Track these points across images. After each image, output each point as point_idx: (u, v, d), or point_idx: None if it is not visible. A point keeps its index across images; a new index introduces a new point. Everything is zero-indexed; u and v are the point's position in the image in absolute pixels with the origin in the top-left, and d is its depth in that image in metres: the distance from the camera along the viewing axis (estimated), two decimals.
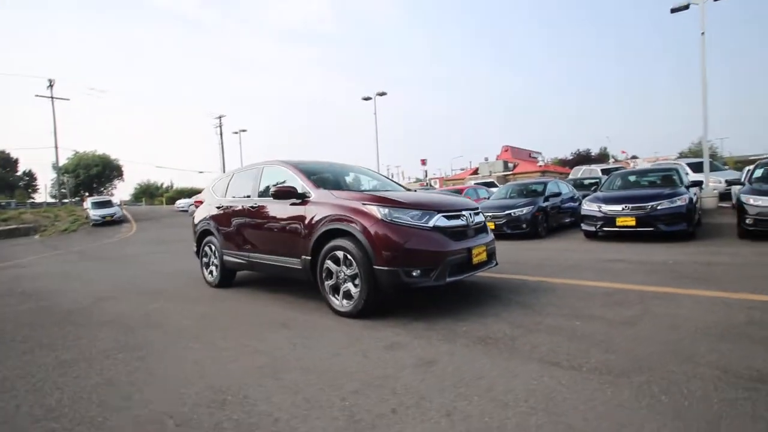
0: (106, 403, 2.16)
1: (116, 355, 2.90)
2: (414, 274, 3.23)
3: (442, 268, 3.29)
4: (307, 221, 3.85)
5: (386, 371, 2.38)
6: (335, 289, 3.63)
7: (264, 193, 4.61)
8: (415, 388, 2.14)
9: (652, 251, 5.98)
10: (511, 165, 39.06)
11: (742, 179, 8.24)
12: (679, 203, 6.70)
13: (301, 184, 4.11)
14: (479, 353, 2.55)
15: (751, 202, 5.98)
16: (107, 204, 23.45)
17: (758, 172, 6.95)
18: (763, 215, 5.82)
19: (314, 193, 3.95)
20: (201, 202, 5.98)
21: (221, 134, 41.52)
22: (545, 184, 10.01)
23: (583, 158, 44.94)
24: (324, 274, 3.68)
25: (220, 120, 41.64)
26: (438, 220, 3.45)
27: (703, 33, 11.54)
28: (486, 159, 43.38)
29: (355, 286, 3.44)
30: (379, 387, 2.18)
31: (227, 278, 5.27)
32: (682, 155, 41.54)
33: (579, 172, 18.77)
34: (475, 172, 41.14)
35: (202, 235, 5.59)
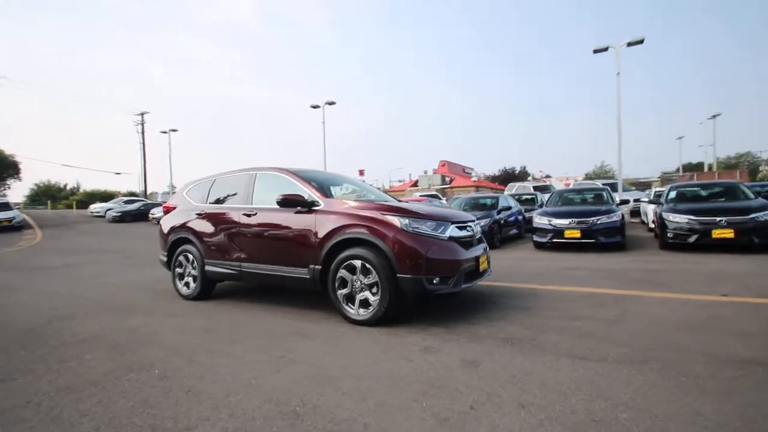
0: (160, 427, 1.98)
1: (127, 376, 2.63)
2: (434, 281, 3.41)
3: (458, 276, 3.52)
4: (318, 230, 3.83)
5: (438, 373, 2.51)
6: (349, 298, 3.66)
7: (260, 201, 4.46)
8: (477, 386, 2.30)
9: (597, 260, 6.87)
10: (448, 179, 41.25)
11: (655, 199, 9.76)
12: (615, 218, 7.81)
13: (307, 192, 4.08)
14: (512, 352, 2.80)
15: (671, 219, 7.22)
16: (4, 207, 20.00)
17: (672, 194, 8.38)
18: (680, 230, 7.05)
19: (323, 202, 3.95)
20: (171, 208, 5.54)
21: (143, 133, 37.91)
22: (497, 198, 10.89)
23: (509, 175, 49.08)
24: (337, 283, 3.69)
25: (142, 117, 38.00)
26: (452, 231, 3.69)
27: (618, 73, 13.57)
28: (425, 172, 45.28)
29: (374, 294, 3.52)
30: (442, 387, 2.30)
31: (206, 290, 4.94)
32: (588, 176, 47.59)
33: (514, 188, 20.64)
34: (415, 184, 42.67)
35: (175, 244, 5.17)
